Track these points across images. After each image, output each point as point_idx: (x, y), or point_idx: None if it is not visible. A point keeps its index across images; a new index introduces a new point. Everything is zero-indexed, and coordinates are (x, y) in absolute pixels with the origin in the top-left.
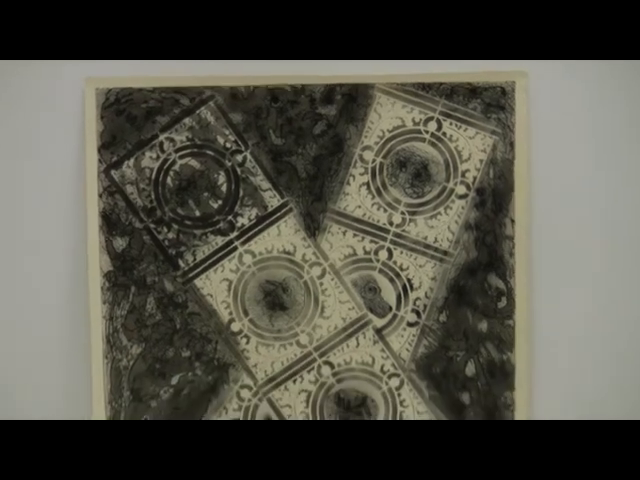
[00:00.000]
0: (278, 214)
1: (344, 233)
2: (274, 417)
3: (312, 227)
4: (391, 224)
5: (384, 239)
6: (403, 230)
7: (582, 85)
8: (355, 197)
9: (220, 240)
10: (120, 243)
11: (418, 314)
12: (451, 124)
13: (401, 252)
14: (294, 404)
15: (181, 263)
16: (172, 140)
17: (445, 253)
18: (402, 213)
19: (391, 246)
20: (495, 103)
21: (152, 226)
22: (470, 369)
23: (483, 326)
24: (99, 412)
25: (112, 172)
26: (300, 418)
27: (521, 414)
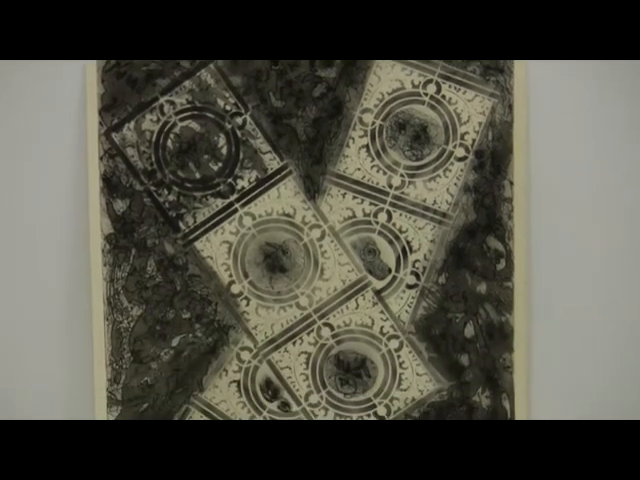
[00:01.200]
0: (278, 176)
1: (344, 195)
2: (274, 379)
3: (312, 189)
4: (390, 186)
5: (383, 201)
6: (402, 192)
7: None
8: (354, 159)
9: (220, 202)
10: (121, 206)
11: (417, 276)
12: (450, 87)
13: (400, 214)
14: (294, 366)
15: (181, 225)
16: (172, 103)
17: (444, 215)
18: (401, 175)
19: (390, 208)
20: (494, 66)
21: (152, 188)
22: (469, 331)
23: (482, 288)
24: (100, 374)
25: (113, 135)
26: (300, 380)
27: (519, 376)
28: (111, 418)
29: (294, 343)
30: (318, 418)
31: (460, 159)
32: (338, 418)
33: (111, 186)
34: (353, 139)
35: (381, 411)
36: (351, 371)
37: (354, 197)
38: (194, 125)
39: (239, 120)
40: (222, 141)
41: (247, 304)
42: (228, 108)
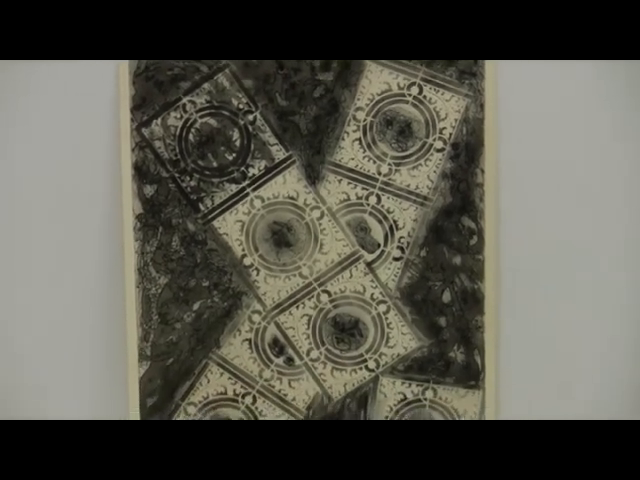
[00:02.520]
0: (283, 165)
1: (339, 181)
2: (280, 338)
3: (312, 176)
4: (379, 174)
5: (373, 186)
6: (389, 179)
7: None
8: (349, 151)
9: (234, 187)
10: (149, 190)
11: (402, 250)
12: (430, 88)
13: (388, 197)
14: (297, 326)
15: (201, 207)
16: (193, 102)
17: (425, 198)
18: (389, 164)
19: (379, 192)
20: (468, 71)
21: (176, 175)
22: (446, 296)
23: (457, 260)
24: (132, 334)
25: (142, 130)
26: (302, 338)
27: (489, 335)
28: (142, 371)
29: (297, 307)
30: (318, 371)
31: (439, 150)
32: (335, 371)
33: (141, 173)
34: (348, 133)
35: (371, 365)
36: (346, 331)
37: (348, 183)
38: (212, 121)
39: (250, 117)
40: (236, 135)
41: (257, 274)
42: (241, 107)
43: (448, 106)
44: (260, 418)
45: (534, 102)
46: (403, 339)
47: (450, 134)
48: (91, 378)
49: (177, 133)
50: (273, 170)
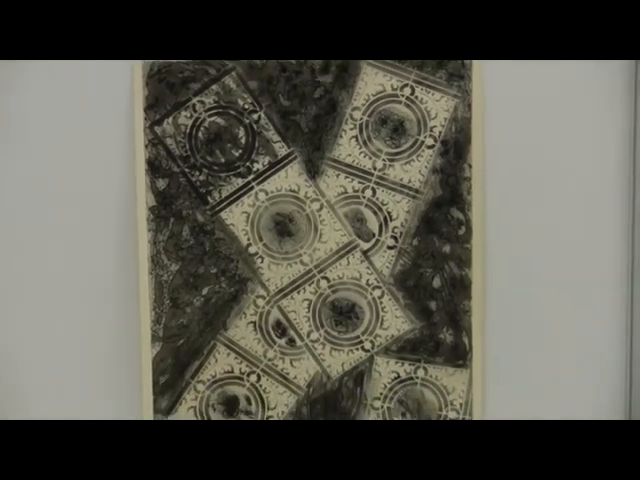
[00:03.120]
0: (286, 161)
1: (337, 176)
2: (283, 320)
3: (312, 171)
4: (374, 168)
5: (369, 180)
6: (384, 173)
7: (530, 61)
8: (346, 147)
9: (240, 181)
10: (161, 184)
11: (396, 239)
12: (422, 90)
13: (382, 191)
14: (298, 310)
15: (209, 199)
16: (202, 102)
17: (417, 191)
18: (383, 160)
19: (374, 186)
20: (457, 73)
21: (187, 170)
22: (436, 282)
23: (446, 249)
24: (145, 317)
25: (155, 128)
26: (303, 321)
27: (476, 318)
28: (154, 352)
29: (298, 292)
30: (317, 351)
31: (429, 147)
32: (333, 351)
33: (154, 168)
34: (345, 131)
35: (367, 345)
36: (343, 314)
37: (346, 177)
38: (219, 120)
39: (255, 116)
40: (242, 133)
41: (261, 261)
42: (246, 107)
43: (438, 106)
44: (264, 395)
45: (518, 102)
46: (396, 322)
47: (440, 132)
48: (106, 359)
49: (187, 131)
50: (276, 165)
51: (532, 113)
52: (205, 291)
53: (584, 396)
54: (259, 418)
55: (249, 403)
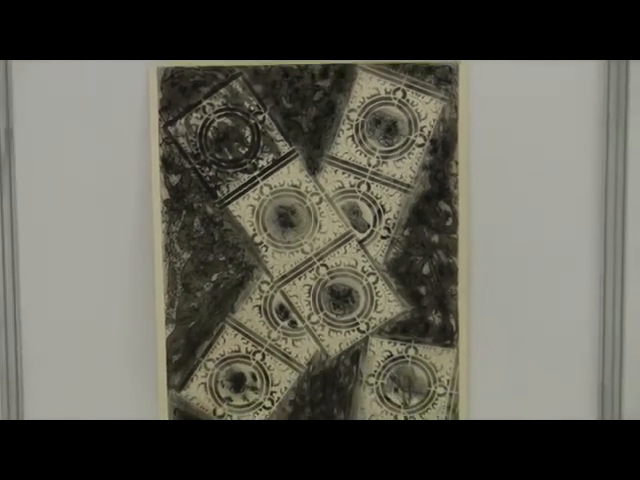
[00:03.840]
0: (288, 158)
1: (335, 172)
2: (285, 304)
3: (312, 167)
4: (369, 165)
5: (364, 176)
6: (378, 169)
7: (513, 64)
8: (343, 146)
9: (247, 177)
10: (174, 179)
11: (389, 230)
12: (412, 93)
13: (376, 185)
14: (299, 294)
15: (218, 193)
16: (212, 104)
17: (408, 186)
18: (377, 157)
19: (369, 181)
20: (444, 78)
21: (197, 167)
22: (426, 269)
23: (435, 238)
24: (160, 301)
25: (169, 128)
26: (304, 305)
27: (462, 302)
28: (168, 333)
29: (300, 278)
30: (317, 332)
31: (420, 145)
32: (332, 332)
33: (167, 165)
34: (342, 131)
35: (362, 327)
36: (341, 298)
37: (343, 173)
38: (227, 121)
39: (260, 117)
40: (248, 132)
41: (266, 250)
42: (252, 108)
43: (427, 108)
44: (268, 372)
45: (501, 104)
46: (389, 305)
47: (429, 132)
48: (124, 339)
49: (198, 131)
50: (279, 162)
51: (513, 114)
52: (214, 277)
53: (561, 370)
54: (264, 393)
55: (255, 379)
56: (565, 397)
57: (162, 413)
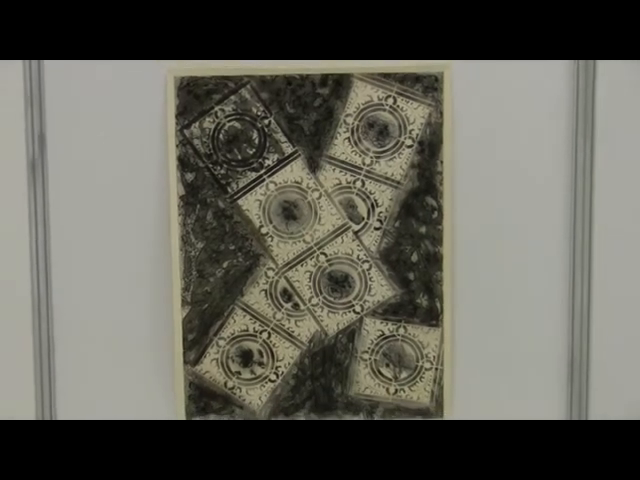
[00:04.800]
0: (291, 158)
1: (333, 170)
2: (289, 288)
3: (313, 166)
4: (364, 164)
5: (359, 174)
6: (372, 168)
7: (495, 70)
8: (341, 147)
9: (254, 174)
10: (189, 177)
11: (381, 222)
12: (402, 100)
13: (370, 182)
14: (301, 279)
15: (229, 189)
16: (223, 110)
17: (398, 183)
18: (371, 157)
19: (363, 178)
20: (431, 86)
21: (210, 165)
22: (414, 257)
23: (422, 229)
24: (177, 285)
25: (184, 131)
26: (305, 289)
27: (446, 286)
28: (184, 314)
29: (301, 265)
30: (317, 313)
31: (409, 146)
32: (330, 314)
33: (183, 164)
34: (340, 133)
35: (357, 309)
36: (338, 283)
37: (340, 171)
38: (237, 124)
39: (266, 121)
40: (255, 135)
41: (271, 240)
42: (259, 113)
43: (416, 113)
44: (273, 349)
45: (481, 110)
46: (381, 289)
47: (417, 134)
48: (145, 320)
49: (210, 133)
50: (283, 161)
51: (491, 117)
52: (225, 264)
53: (535, 342)
54: (269, 368)
55: (261, 356)
56: (537, 365)
57: (178, 386)
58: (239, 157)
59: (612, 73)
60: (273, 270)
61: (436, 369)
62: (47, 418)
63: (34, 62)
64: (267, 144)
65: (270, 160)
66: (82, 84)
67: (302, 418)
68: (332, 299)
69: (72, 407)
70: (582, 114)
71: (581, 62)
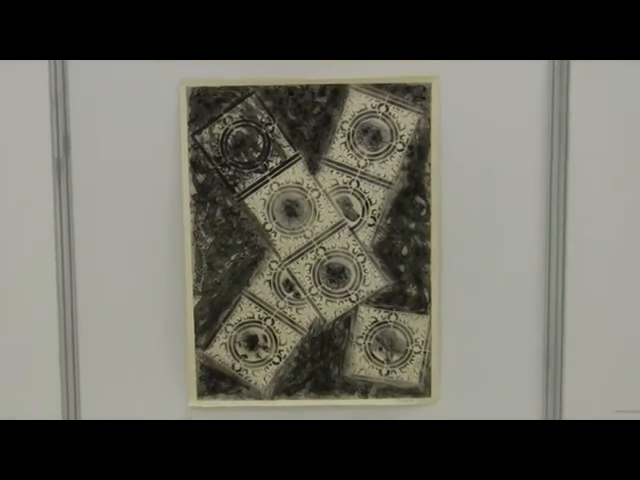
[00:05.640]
0: (292, 160)
1: (331, 171)
2: (290, 279)
3: (312, 168)
4: (358, 166)
5: (354, 175)
6: (366, 170)
7: (478, 82)
8: (337, 150)
9: (259, 176)
10: (200, 177)
11: (374, 219)
12: (394, 108)
13: (365, 183)
14: (302, 271)
15: (236, 189)
16: (231, 117)
17: (390, 183)
18: (365, 160)
19: (358, 179)
20: (420, 95)
21: (219, 167)
22: (405, 251)
23: (412, 226)
24: (189, 277)
25: (196, 136)
26: (306, 280)
27: (434, 278)
28: (195, 303)
29: (302, 258)
30: (316, 302)
31: (399, 150)
32: (328, 302)
33: (195, 166)
34: (337, 138)
35: (353, 298)
36: (336, 274)
37: (337, 172)
38: (243, 130)
39: (270, 127)
40: (260, 140)
41: (275, 235)
42: (263, 120)
43: (406, 120)
44: (277, 334)
45: (466, 117)
46: (375, 280)
47: (407, 139)
48: (161, 307)
49: (219, 138)
50: (285, 164)
51: (474, 124)
52: (233, 257)
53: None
54: (273, 351)
55: (265, 340)
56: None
57: (190, 368)
58: (245, 160)
59: (585, 73)
60: (276, 263)
61: (424, 353)
62: (72, 400)
63: (59, 70)
64: (271, 148)
65: (274, 163)
66: (103, 93)
67: (303, 397)
68: (330, 289)
69: (95, 383)
70: (557, 114)
71: (556, 62)
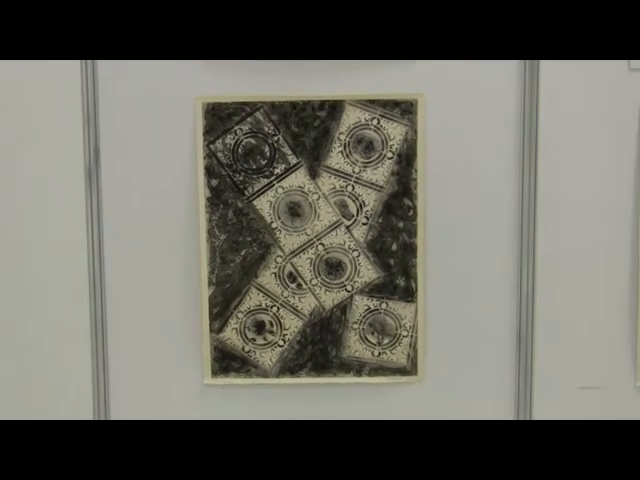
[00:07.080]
0: (295, 167)
1: (329, 177)
2: (294, 272)
3: (313, 174)
4: (354, 172)
5: (350, 180)
6: (360, 175)
7: (455, 99)
8: (335, 158)
9: (266, 181)
10: (214, 182)
11: (367, 218)
12: (385, 120)
13: (359, 187)
14: (304, 265)
15: (246, 192)
16: (241, 129)
17: (381, 187)
18: (359, 166)
19: (354, 184)
20: (408, 110)
21: (231, 173)
22: (394, 246)
23: (401, 224)
24: (204, 269)
25: (210, 145)
26: (307, 272)
27: (420, 271)
28: (210, 292)
29: (304, 253)
30: (316, 292)
31: (389, 158)
32: (327, 292)
33: (209, 173)
34: (334, 147)
35: (349, 288)
36: (333, 268)
37: (335, 177)
38: (252, 140)
39: (275, 138)
40: (267, 149)
41: (280, 233)
42: (270, 132)
43: (395, 131)
44: (281, 320)
45: (447, 129)
46: (368, 272)
47: (396, 148)
48: (179, 297)
49: (231, 148)
50: (289, 170)
51: (455, 134)
52: (243, 252)
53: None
54: (278, 335)
55: (272, 325)
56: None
57: (205, 349)
58: (254, 167)
59: (555, 73)
60: (281, 257)
61: (411, 336)
62: (102, 388)
63: (90, 87)
64: (276, 156)
65: (279, 169)
66: (129, 108)
67: (304, 376)
68: (328, 280)
69: (124, 364)
70: (528, 116)
71: (527, 62)
